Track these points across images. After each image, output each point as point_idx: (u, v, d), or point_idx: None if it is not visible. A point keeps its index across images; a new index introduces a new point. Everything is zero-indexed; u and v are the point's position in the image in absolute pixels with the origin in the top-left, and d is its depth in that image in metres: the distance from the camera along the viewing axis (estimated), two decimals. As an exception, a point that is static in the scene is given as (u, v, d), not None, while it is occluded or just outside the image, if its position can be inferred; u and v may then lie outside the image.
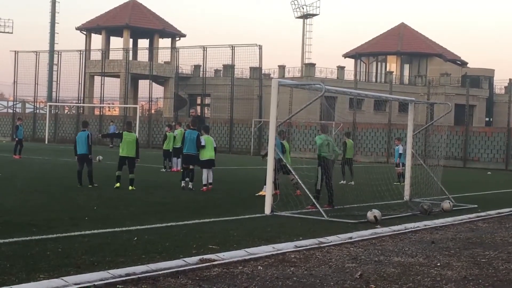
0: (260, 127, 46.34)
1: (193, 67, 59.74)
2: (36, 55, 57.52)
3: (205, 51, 50.62)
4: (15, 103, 60.25)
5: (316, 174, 15.06)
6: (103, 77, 56.57)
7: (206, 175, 17.76)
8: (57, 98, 58.51)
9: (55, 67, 59.35)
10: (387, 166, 30.39)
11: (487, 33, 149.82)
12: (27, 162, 27.10)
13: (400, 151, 23.22)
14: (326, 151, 15.08)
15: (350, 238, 10.95)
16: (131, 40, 63.69)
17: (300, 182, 14.37)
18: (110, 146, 44.40)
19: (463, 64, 71.74)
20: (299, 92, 40.06)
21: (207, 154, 17.82)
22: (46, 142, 51.60)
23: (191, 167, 18.02)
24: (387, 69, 68.35)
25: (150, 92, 54.08)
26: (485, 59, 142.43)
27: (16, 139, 30.41)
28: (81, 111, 57.53)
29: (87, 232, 10.34)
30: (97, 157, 24.04)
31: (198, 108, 61.30)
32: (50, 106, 56.30)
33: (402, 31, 70.93)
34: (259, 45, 47.87)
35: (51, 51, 61.69)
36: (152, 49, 61.54)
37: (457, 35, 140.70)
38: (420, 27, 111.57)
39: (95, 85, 60.06)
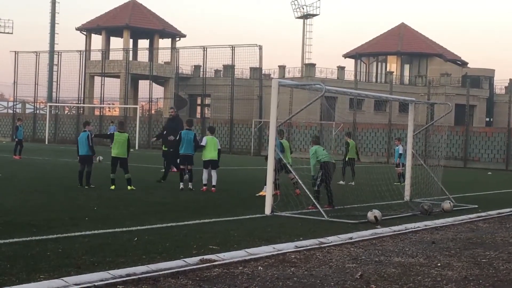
0: (260, 127, 46.34)
1: (193, 67, 59.76)
2: (36, 55, 57.52)
3: (205, 51, 50.61)
4: (15, 103, 60.23)
5: (315, 175, 15.03)
6: (103, 78, 56.57)
7: (206, 175, 17.73)
8: (57, 98, 58.51)
9: (55, 68, 59.34)
10: (388, 166, 30.38)
11: (487, 33, 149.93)
12: (27, 162, 27.10)
13: (400, 151, 23.21)
14: (324, 154, 15.04)
15: (351, 238, 10.94)
16: (131, 40, 63.69)
17: (300, 182, 14.36)
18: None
19: (463, 64, 71.73)
20: (299, 92, 40.07)
21: (209, 154, 17.77)
22: (46, 143, 51.61)
23: (189, 167, 17.98)
24: (387, 69, 68.36)
25: (150, 93, 54.11)
26: (485, 59, 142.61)
27: (16, 139, 30.42)
28: (81, 111, 57.54)
29: (88, 232, 10.33)
30: (97, 158, 24.02)
31: (198, 108, 61.37)
32: (50, 106, 56.30)
33: (402, 31, 70.93)
34: (259, 45, 47.89)
35: (51, 52, 61.69)
36: (152, 50, 61.53)
37: (457, 35, 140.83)
38: (420, 27, 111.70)
39: (95, 85, 60.06)
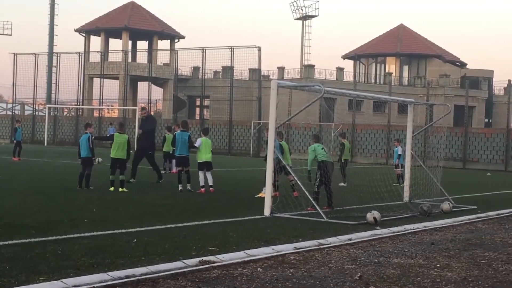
0: (259, 128, 46.36)
1: (192, 68, 59.79)
2: (35, 57, 57.53)
3: (204, 53, 50.64)
4: (14, 105, 60.23)
5: (314, 176, 15.04)
6: (102, 79, 56.59)
7: (203, 177, 17.75)
8: (56, 100, 58.53)
9: (54, 69, 59.39)
10: (387, 167, 30.38)
11: (486, 34, 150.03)
12: (26, 164, 27.09)
13: (399, 152, 23.21)
14: (322, 154, 15.04)
15: (350, 239, 10.94)
16: (130, 41, 63.69)
17: (300, 183, 14.36)
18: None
19: (462, 65, 71.78)
20: (298, 94, 40.11)
21: (203, 156, 17.80)
22: (45, 144, 51.58)
23: (185, 168, 17.98)
24: (386, 70, 68.43)
25: (149, 94, 54.12)
26: (484, 60, 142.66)
27: (15, 141, 30.42)
28: (80, 113, 57.55)
29: (87, 234, 10.33)
30: (97, 159, 24.02)
31: (197, 110, 61.37)
32: (49, 108, 56.30)
33: (401, 32, 71.00)
34: (258, 47, 47.96)
35: (50, 53, 61.75)
36: (151, 51, 61.55)
37: (456, 36, 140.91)
38: (419, 28, 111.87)
39: (94, 87, 60.09)
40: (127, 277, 7.51)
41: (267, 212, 13.54)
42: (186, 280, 7.68)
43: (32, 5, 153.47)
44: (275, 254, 9.34)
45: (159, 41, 63.82)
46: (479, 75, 64.64)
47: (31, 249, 8.93)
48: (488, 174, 34.93)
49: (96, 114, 57.57)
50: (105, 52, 60.25)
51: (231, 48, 49.08)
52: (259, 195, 16.65)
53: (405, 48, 68.44)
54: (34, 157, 31.84)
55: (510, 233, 12.68)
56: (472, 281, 8.19)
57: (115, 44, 64.44)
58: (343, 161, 22.58)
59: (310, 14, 69.76)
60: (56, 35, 64.94)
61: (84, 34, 63.57)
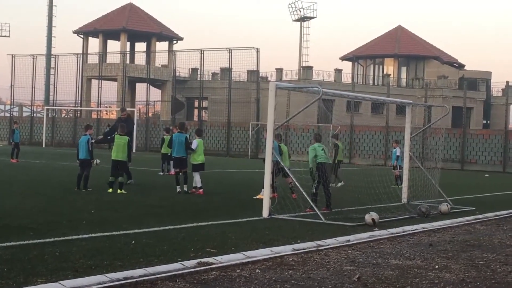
0: (257, 130, 46.38)
1: (190, 70, 59.81)
2: (33, 58, 57.51)
3: (202, 54, 50.64)
4: (12, 106, 60.18)
5: (312, 178, 15.04)
6: (100, 81, 56.55)
7: (198, 178, 17.77)
8: (54, 101, 58.49)
9: (52, 71, 59.38)
10: (385, 168, 30.38)
11: (484, 36, 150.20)
12: (24, 165, 27.07)
13: (398, 154, 23.21)
14: (321, 155, 15.04)
15: (348, 241, 10.94)
16: (128, 43, 63.70)
17: (298, 185, 14.35)
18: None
19: (460, 66, 71.84)
20: (296, 95, 40.10)
21: (199, 157, 17.85)
22: (43, 146, 51.55)
23: (183, 170, 17.98)
24: (385, 72, 68.45)
25: (147, 96, 54.10)
26: (482, 62, 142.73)
27: (13, 143, 30.40)
28: (78, 114, 57.52)
29: (85, 235, 10.32)
30: (95, 161, 23.98)
31: (196, 111, 61.36)
32: (47, 109, 56.26)
33: (399, 34, 71.05)
34: (257, 48, 47.96)
35: (48, 55, 61.74)
36: (149, 52, 61.53)
37: (454, 37, 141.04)
38: (417, 29, 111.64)
39: (92, 88, 60.02)
40: (125, 278, 7.51)
41: (265, 213, 13.54)
42: (185, 281, 7.68)
43: (30, 7, 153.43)
44: (273, 255, 9.34)
45: (157, 43, 63.81)
46: (477, 76, 64.72)
47: (29, 251, 8.92)
48: (486, 175, 34.95)
49: (94, 115, 57.54)
50: (103, 54, 60.24)
51: (229, 50, 49.09)
52: (258, 197, 16.64)
53: (403, 49, 68.48)
54: (32, 159, 31.83)
55: (508, 234, 12.69)
56: (470, 282, 8.19)
57: (113, 45, 64.51)
58: (336, 162, 22.60)
59: (308, 15, 69.84)
60: (54, 37, 65.02)
61: (82, 36, 63.56)
